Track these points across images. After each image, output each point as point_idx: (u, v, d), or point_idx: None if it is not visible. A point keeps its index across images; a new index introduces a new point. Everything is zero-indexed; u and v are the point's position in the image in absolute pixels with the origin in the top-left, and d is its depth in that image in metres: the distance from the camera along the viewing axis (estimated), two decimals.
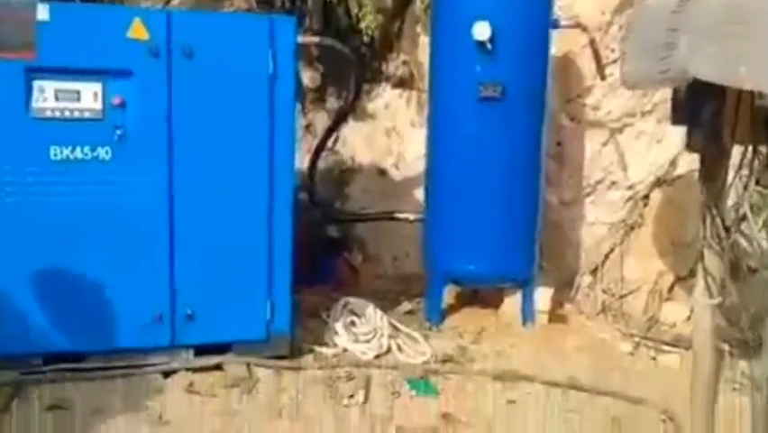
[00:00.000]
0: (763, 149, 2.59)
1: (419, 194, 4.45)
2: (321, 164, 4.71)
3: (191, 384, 2.99)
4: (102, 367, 2.96)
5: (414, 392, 3.11)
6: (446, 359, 3.45)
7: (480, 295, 4.12)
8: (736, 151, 2.70)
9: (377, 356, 3.45)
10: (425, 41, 4.56)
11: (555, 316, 3.99)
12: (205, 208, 3.03)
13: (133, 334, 3.00)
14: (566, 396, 3.18)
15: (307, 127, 4.95)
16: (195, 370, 3.07)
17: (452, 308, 4.04)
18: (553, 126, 4.25)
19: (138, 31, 2.86)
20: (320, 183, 4.68)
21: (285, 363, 3.22)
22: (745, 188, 2.83)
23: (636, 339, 3.82)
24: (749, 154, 2.62)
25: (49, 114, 2.82)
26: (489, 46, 3.55)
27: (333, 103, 4.96)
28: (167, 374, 3.03)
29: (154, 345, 3.05)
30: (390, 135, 4.94)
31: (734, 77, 2.13)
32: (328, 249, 4.62)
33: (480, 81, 3.59)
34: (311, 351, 3.43)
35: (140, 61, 2.86)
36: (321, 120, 4.97)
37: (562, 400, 3.14)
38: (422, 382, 3.18)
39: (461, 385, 3.22)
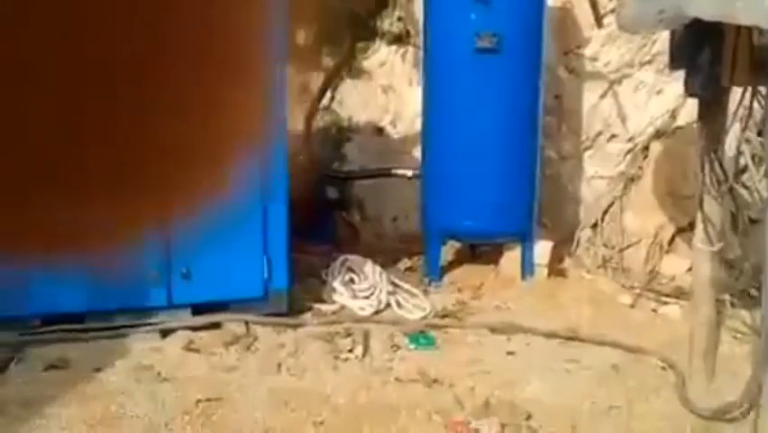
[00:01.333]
0: (762, 90, 2.55)
1: (417, 153, 4.40)
2: (317, 124, 4.67)
3: (190, 342, 2.99)
4: (100, 328, 2.96)
5: (413, 346, 3.11)
6: (445, 314, 3.44)
7: (479, 251, 4.10)
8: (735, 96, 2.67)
9: (376, 312, 3.45)
10: None
11: (555, 270, 3.97)
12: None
13: (131, 293, 2.99)
14: (565, 346, 3.18)
15: (303, 88, 4.90)
16: (193, 329, 3.07)
17: (452, 265, 4.02)
18: (551, 79, 4.19)
19: None
20: (317, 143, 4.64)
21: (283, 319, 3.22)
22: (744, 131, 2.80)
23: (637, 291, 3.81)
24: (748, 96, 2.58)
25: None
26: None
27: (328, 62, 4.90)
28: (165, 333, 3.03)
29: (151, 305, 3.04)
30: (387, 93, 4.88)
31: (730, 12, 2.08)
32: (326, 209, 4.60)
33: (475, 32, 3.53)
34: (310, 308, 3.43)
35: None
36: (317, 81, 4.91)
37: (562, 351, 3.13)
38: (421, 336, 3.17)
39: (461, 338, 3.21)
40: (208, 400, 2.61)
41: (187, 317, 3.10)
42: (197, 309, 3.14)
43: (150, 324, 3.03)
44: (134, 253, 2.94)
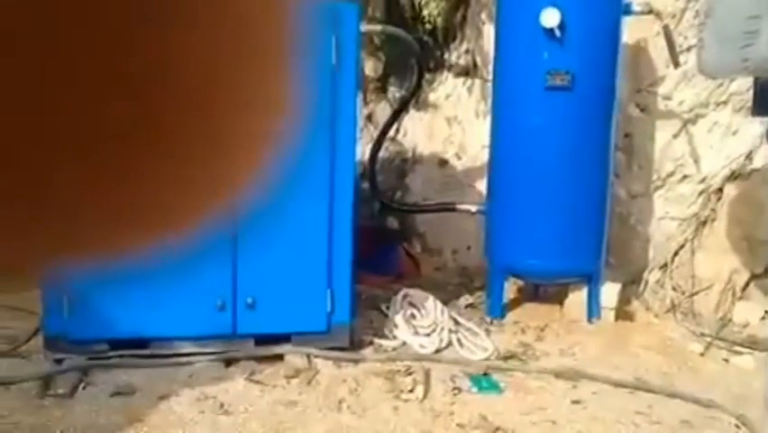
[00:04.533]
0: None
1: (481, 186, 4.36)
2: (381, 154, 4.68)
3: (252, 373, 3.00)
4: (166, 354, 2.99)
5: (475, 390, 3.05)
6: (508, 356, 3.37)
7: (543, 290, 4.02)
8: None
9: (437, 351, 3.40)
10: (489, 29, 4.47)
11: (622, 313, 3.86)
12: (265, 198, 3.02)
13: (197, 322, 3.02)
14: (634, 397, 3.07)
15: (369, 117, 4.92)
16: (256, 359, 3.08)
17: (514, 303, 3.95)
18: (622, 116, 4.11)
19: None
20: (380, 174, 4.64)
21: (345, 354, 3.21)
22: None
23: (707, 339, 3.67)
24: None
25: None
26: (557, 33, 3.44)
27: (394, 93, 4.92)
28: (228, 363, 3.04)
29: (216, 334, 3.07)
30: (452, 125, 4.86)
31: None
32: (388, 240, 4.59)
33: (547, 70, 3.49)
34: (371, 342, 3.40)
35: None
36: (382, 110, 4.93)
37: (630, 401, 3.03)
38: (483, 379, 3.11)
39: (524, 383, 3.14)
40: None
41: (250, 348, 3.11)
42: (260, 340, 3.15)
43: (214, 353, 3.05)
44: (201, 282, 2.96)
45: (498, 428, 2.73)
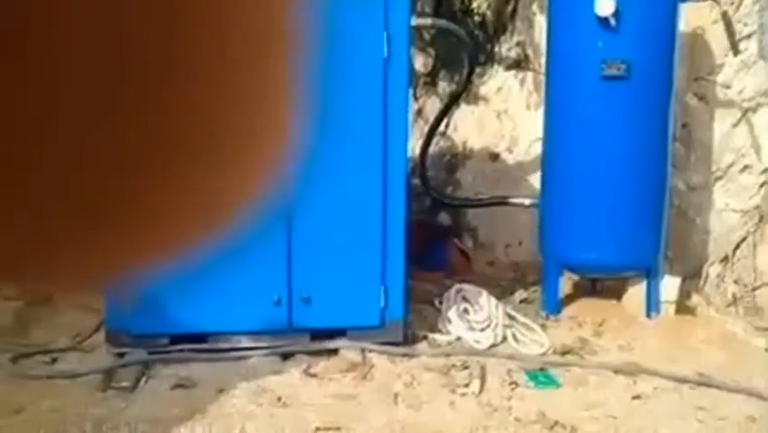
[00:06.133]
0: None
1: (533, 179, 4.30)
2: (431, 150, 4.65)
3: (308, 367, 3.01)
4: (224, 348, 3.03)
5: (532, 384, 3.01)
6: (565, 351, 3.32)
7: (600, 284, 3.94)
8: None
9: (492, 346, 3.37)
10: (540, 20, 4.40)
11: (682, 307, 3.76)
12: (320, 194, 3.03)
13: (254, 317, 3.05)
14: (696, 393, 2.99)
15: (419, 112, 4.90)
16: (311, 353, 3.10)
17: (570, 298, 3.89)
18: (679, 106, 4.00)
19: None
20: (431, 169, 4.61)
21: (399, 349, 3.20)
22: None
23: None
24: None
25: None
26: (612, 22, 3.37)
27: (444, 87, 4.88)
28: (284, 357, 3.07)
29: (273, 328, 3.09)
30: (502, 119, 4.81)
31: None
32: (439, 236, 4.56)
33: (602, 59, 3.42)
34: (424, 337, 3.39)
35: None
36: (432, 105, 4.90)
37: (692, 397, 2.95)
38: (540, 374, 3.07)
39: (582, 378, 3.09)
40: (327, 428, 2.61)
41: (305, 342, 3.13)
42: (315, 335, 3.17)
43: (270, 347, 3.08)
44: (258, 278, 2.99)
45: (556, 423, 2.69)
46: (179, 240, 0.29)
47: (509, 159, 4.76)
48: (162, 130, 0.26)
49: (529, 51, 4.65)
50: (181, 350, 2.98)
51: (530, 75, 4.65)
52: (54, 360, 3.07)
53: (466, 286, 3.69)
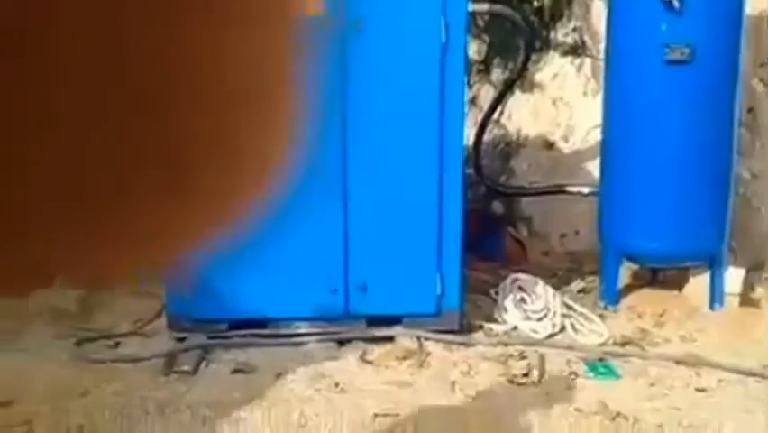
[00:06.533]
0: None
1: (591, 167, 4.22)
2: (486, 138, 4.60)
3: (364, 353, 3.02)
4: (282, 334, 3.06)
5: (592, 375, 2.96)
6: (625, 342, 3.25)
7: (661, 275, 3.85)
8: None
9: (549, 335, 3.32)
10: (598, 5, 4.32)
11: (746, 299, 3.65)
12: (377, 182, 3.03)
13: (311, 303, 3.07)
14: (762, 387, 2.90)
15: (472, 100, 4.85)
16: (367, 340, 3.10)
17: (629, 289, 3.81)
18: (745, 91, 3.87)
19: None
20: (485, 157, 4.57)
21: (455, 337, 3.18)
22: None
23: None
24: None
25: None
26: (676, 4, 3.27)
27: (498, 75, 4.82)
28: (341, 343, 3.08)
29: (330, 315, 3.11)
30: (558, 106, 4.73)
31: None
32: (494, 225, 4.52)
33: (666, 43, 3.33)
34: (480, 327, 3.36)
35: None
36: (486, 93, 4.85)
37: (758, 391, 2.86)
38: (600, 365, 3.02)
39: (643, 370, 3.02)
40: (385, 415, 2.61)
41: (362, 328, 3.14)
42: (371, 321, 3.17)
43: (327, 333, 3.09)
44: (316, 264, 3.01)
45: (618, 414, 2.64)
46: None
47: (565, 147, 4.68)
48: (174, 127, 0.27)
49: (586, 37, 4.56)
50: (241, 335, 3.01)
51: (587, 61, 4.57)
52: (117, 344, 3.14)
53: (522, 275, 3.65)
